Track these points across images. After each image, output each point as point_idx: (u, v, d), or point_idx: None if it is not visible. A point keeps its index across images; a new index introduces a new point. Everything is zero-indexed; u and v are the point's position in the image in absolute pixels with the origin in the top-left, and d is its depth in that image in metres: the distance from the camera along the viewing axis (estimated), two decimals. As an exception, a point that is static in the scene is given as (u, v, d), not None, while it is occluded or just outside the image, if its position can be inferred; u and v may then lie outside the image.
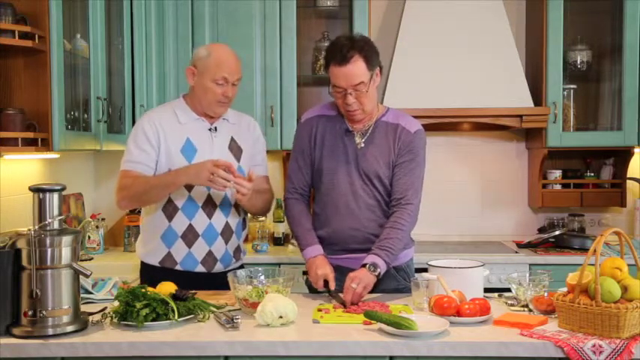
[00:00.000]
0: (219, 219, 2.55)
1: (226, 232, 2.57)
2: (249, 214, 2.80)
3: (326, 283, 2.39)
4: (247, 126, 2.69)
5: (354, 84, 2.39)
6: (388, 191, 2.50)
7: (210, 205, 2.53)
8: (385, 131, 2.52)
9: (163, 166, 2.50)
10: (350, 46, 2.39)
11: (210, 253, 2.55)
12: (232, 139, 2.61)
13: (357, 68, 2.38)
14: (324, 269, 2.40)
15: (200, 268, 2.54)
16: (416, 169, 2.49)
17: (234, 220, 2.60)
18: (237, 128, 2.64)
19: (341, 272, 2.45)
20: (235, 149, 2.60)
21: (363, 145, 2.51)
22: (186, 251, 2.52)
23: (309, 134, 2.57)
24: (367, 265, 2.33)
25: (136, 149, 2.50)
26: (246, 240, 2.77)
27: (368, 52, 2.41)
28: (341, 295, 2.33)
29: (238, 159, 2.59)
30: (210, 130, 2.57)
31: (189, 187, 2.49)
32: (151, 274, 2.53)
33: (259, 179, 2.60)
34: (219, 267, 2.56)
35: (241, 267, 2.64)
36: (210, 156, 2.47)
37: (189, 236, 2.52)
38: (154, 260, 2.55)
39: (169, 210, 2.51)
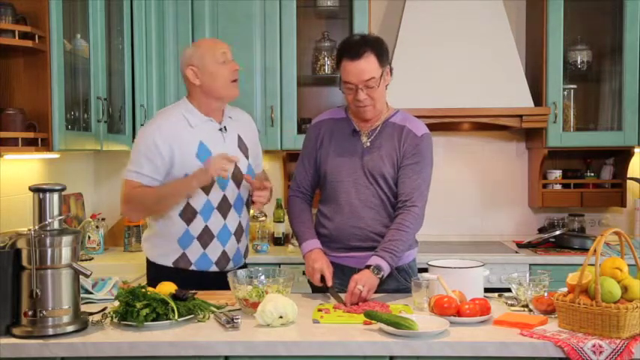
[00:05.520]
0: (233, 219, 2.56)
1: (239, 232, 2.59)
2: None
3: (324, 279, 2.39)
4: (247, 121, 2.71)
5: (364, 79, 2.41)
6: (393, 192, 2.50)
7: (225, 206, 2.53)
8: (392, 132, 2.52)
9: (179, 174, 2.46)
10: (362, 43, 2.43)
11: (224, 254, 2.55)
12: (239, 138, 2.62)
13: (368, 64, 2.40)
14: (320, 263, 2.41)
15: (214, 268, 2.54)
16: (422, 171, 2.49)
17: (245, 220, 2.63)
18: (240, 125, 2.65)
19: (342, 271, 2.46)
20: (243, 148, 2.61)
21: (369, 144, 2.52)
22: (201, 252, 2.52)
23: (316, 136, 2.60)
24: (371, 268, 2.33)
25: (145, 161, 2.44)
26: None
27: (379, 49, 2.45)
28: (342, 295, 2.33)
29: (247, 157, 2.61)
30: (220, 130, 2.56)
31: (207, 190, 2.48)
32: (163, 274, 2.44)
33: (261, 174, 2.70)
34: (230, 266, 2.56)
35: (244, 266, 2.64)
36: None
37: (205, 237, 2.51)
38: (168, 261, 2.53)
39: (188, 214, 2.49)
